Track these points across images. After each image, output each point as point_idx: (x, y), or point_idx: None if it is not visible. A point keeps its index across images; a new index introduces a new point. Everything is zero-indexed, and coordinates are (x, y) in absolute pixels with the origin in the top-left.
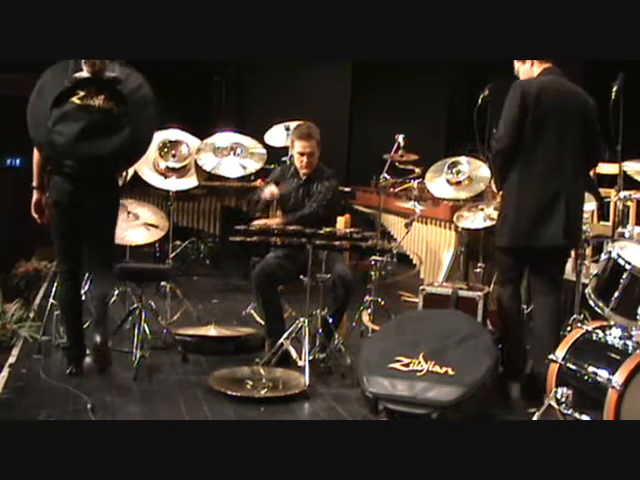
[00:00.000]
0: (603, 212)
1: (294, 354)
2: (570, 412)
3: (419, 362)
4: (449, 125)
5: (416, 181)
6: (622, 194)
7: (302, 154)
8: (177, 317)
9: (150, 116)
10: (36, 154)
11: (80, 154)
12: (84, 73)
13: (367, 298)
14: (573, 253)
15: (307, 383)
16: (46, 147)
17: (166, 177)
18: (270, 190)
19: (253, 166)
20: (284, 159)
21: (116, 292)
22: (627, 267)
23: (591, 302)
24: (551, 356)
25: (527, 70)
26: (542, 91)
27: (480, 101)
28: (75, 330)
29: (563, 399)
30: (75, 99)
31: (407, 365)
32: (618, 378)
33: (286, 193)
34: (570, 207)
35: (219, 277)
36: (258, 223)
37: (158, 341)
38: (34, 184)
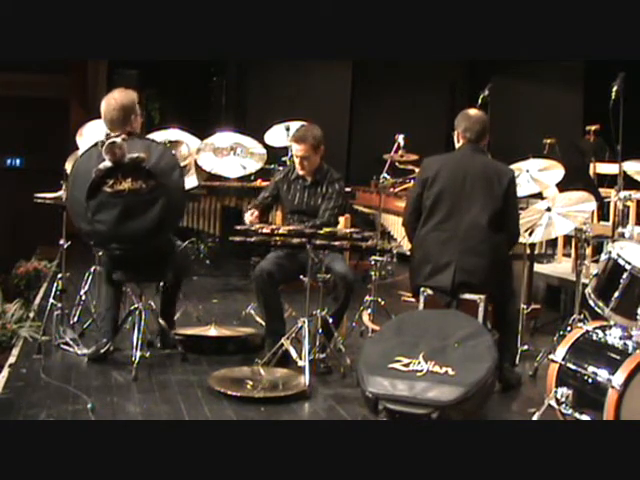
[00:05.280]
0: (603, 212)
1: (294, 354)
2: (570, 412)
3: (419, 362)
4: (449, 125)
5: None
6: (622, 194)
7: (296, 156)
8: (177, 317)
9: (177, 180)
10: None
11: (123, 236)
12: (107, 162)
13: (367, 298)
14: (573, 253)
15: (307, 383)
16: (92, 236)
17: None
18: (250, 219)
19: (253, 166)
20: (284, 159)
21: None
22: (627, 267)
23: (591, 302)
24: (551, 356)
25: (455, 143)
26: (442, 166)
27: (480, 101)
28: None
29: (563, 399)
30: (106, 188)
31: (407, 365)
32: (618, 378)
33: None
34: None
35: (219, 277)
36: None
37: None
38: None
